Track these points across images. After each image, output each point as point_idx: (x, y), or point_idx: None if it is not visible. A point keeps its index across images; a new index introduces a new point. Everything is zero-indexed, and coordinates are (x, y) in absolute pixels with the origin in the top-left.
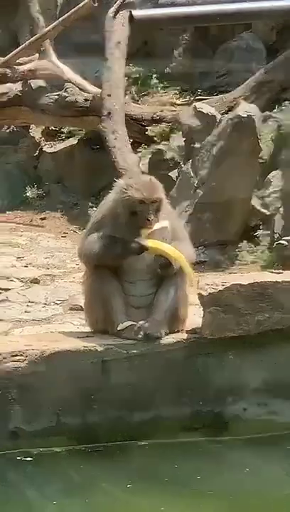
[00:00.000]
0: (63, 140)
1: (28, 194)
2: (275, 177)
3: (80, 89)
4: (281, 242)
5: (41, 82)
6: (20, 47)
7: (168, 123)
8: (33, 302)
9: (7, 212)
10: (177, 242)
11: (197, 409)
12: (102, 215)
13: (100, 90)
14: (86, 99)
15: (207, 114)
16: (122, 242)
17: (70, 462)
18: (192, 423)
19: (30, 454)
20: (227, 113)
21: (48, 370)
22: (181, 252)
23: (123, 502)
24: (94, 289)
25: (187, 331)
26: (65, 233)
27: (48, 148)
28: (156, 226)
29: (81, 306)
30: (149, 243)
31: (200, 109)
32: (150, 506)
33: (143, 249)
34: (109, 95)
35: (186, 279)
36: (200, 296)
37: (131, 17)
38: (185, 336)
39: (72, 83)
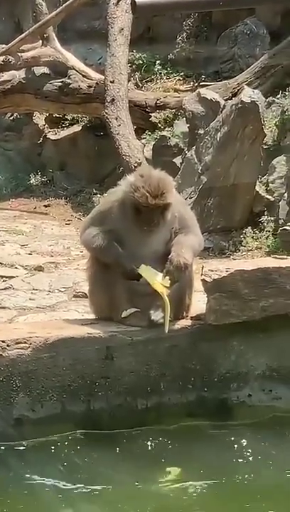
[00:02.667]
0: (67, 127)
1: (31, 181)
2: (279, 163)
3: (83, 75)
4: (285, 227)
5: (44, 69)
6: (24, 34)
7: (172, 109)
8: (37, 290)
9: (11, 200)
10: (185, 231)
11: (202, 396)
12: (108, 206)
13: (103, 77)
14: (89, 86)
15: (211, 100)
16: (117, 254)
17: (74, 449)
18: (197, 409)
19: (35, 442)
20: (231, 99)
21: (52, 357)
22: (188, 244)
23: (127, 488)
24: (98, 276)
25: (191, 317)
26: (69, 220)
27: (52, 135)
28: (159, 279)
29: (85, 293)
30: (142, 272)
31: (204, 95)
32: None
33: (133, 276)
34: (112, 82)
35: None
36: (204, 282)
37: (133, 3)
38: (189, 322)
39: (76, 70)
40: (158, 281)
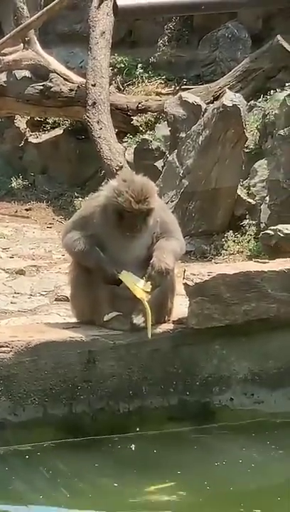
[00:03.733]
0: (48, 130)
1: (13, 185)
2: (261, 166)
3: (65, 79)
4: (267, 231)
5: (26, 73)
6: (5, 37)
7: (154, 113)
8: (18, 293)
9: None
10: (166, 236)
11: (184, 400)
12: (90, 211)
13: (85, 80)
14: (71, 89)
15: (193, 103)
16: (98, 259)
17: (56, 453)
18: (179, 413)
19: (16, 446)
20: (212, 102)
21: (34, 361)
22: (169, 248)
23: (109, 491)
24: (80, 280)
25: (173, 321)
26: (50, 224)
27: (33, 138)
28: (141, 285)
29: (67, 297)
30: (123, 278)
31: (186, 99)
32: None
33: (114, 281)
34: (93, 85)
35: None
36: (186, 286)
37: (115, 7)
38: (171, 326)
39: (57, 73)
40: (138, 286)
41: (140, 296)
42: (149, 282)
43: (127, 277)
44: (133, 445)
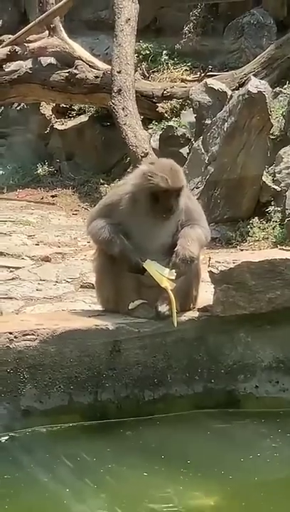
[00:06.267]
0: (74, 117)
1: (38, 172)
2: (286, 153)
3: (90, 66)
4: None
5: (51, 60)
6: (30, 24)
7: (179, 99)
8: (44, 280)
9: (18, 190)
10: (191, 223)
11: (209, 387)
12: (116, 199)
13: (110, 67)
14: (96, 76)
15: (218, 90)
16: (123, 247)
17: (81, 440)
18: (204, 401)
19: (42, 433)
20: (237, 89)
21: (59, 349)
22: (194, 236)
23: (131, 479)
24: (105, 268)
25: (198, 309)
26: (76, 211)
27: (59, 125)
28: (165, 273)
29: (92, 284)
30: (147, 267)
31: (211, 86)
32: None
33: (138, 269)
34: (119, 72)
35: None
36: (211, 274)
37: None
38: (196, 313)
39: (82, 60)
40: (163, 275)
41: (164, 285)
42: (174, 271)
43: (151, 266)
44: (157, 432)
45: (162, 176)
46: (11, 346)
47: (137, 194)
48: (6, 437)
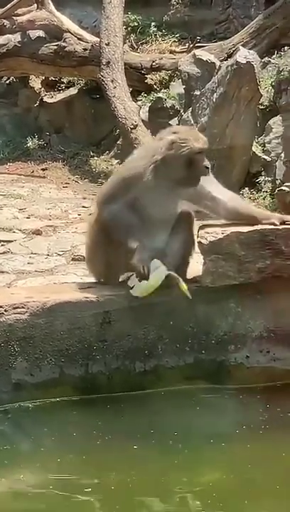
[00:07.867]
0: (63, 90)
1: (28, 145)
2: (275, 123)
3: (79, 38)
4: (282, 188)
5: (40, 33)
6: None
7: (168, 71)
8: (35, 253)
9: (8, 164)
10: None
11: (200, 358)
12: (140, 171)
13: (99, 39)
14: (85, 49)
15: (207, 61)
16: (140, 258)
17: (71, 413)
18: (195, 372)
19: (33, 406)
20: (226, 60)
21: (50, 321)
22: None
23: (121, 451)
24: (99, 240)
25: (188, 280)
26: (66, 183)
27: (48, 98)
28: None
29: (84, 257)
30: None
31: (199, 57)
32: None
33: (139, 274)
34: (107, 44)
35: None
36: (201, 244)
37: None
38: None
39: (71, 33)
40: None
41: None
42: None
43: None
44: (148, 404)
45: (196, 138)
46: (1, 320)
47: (168, 164)
48: None
